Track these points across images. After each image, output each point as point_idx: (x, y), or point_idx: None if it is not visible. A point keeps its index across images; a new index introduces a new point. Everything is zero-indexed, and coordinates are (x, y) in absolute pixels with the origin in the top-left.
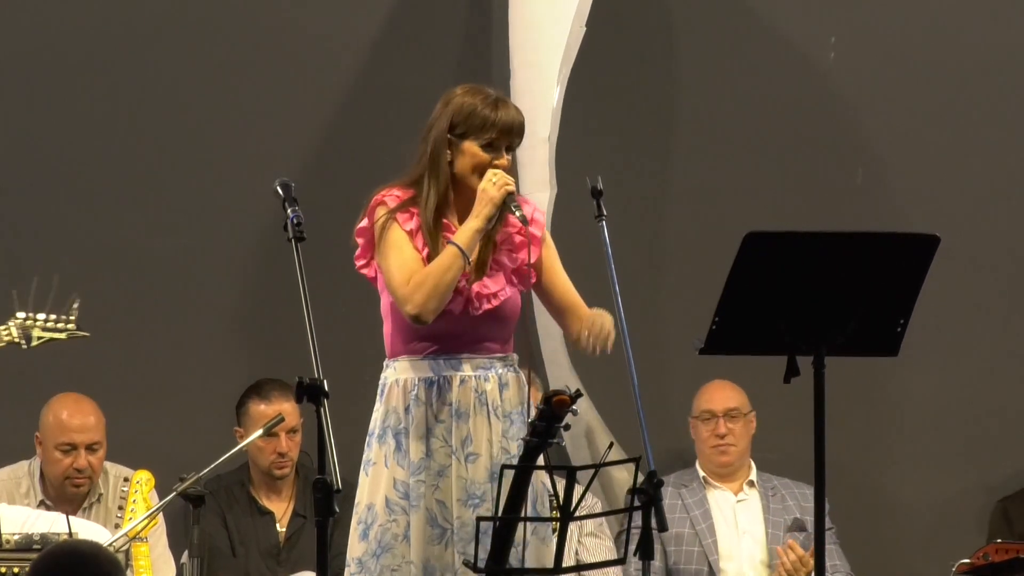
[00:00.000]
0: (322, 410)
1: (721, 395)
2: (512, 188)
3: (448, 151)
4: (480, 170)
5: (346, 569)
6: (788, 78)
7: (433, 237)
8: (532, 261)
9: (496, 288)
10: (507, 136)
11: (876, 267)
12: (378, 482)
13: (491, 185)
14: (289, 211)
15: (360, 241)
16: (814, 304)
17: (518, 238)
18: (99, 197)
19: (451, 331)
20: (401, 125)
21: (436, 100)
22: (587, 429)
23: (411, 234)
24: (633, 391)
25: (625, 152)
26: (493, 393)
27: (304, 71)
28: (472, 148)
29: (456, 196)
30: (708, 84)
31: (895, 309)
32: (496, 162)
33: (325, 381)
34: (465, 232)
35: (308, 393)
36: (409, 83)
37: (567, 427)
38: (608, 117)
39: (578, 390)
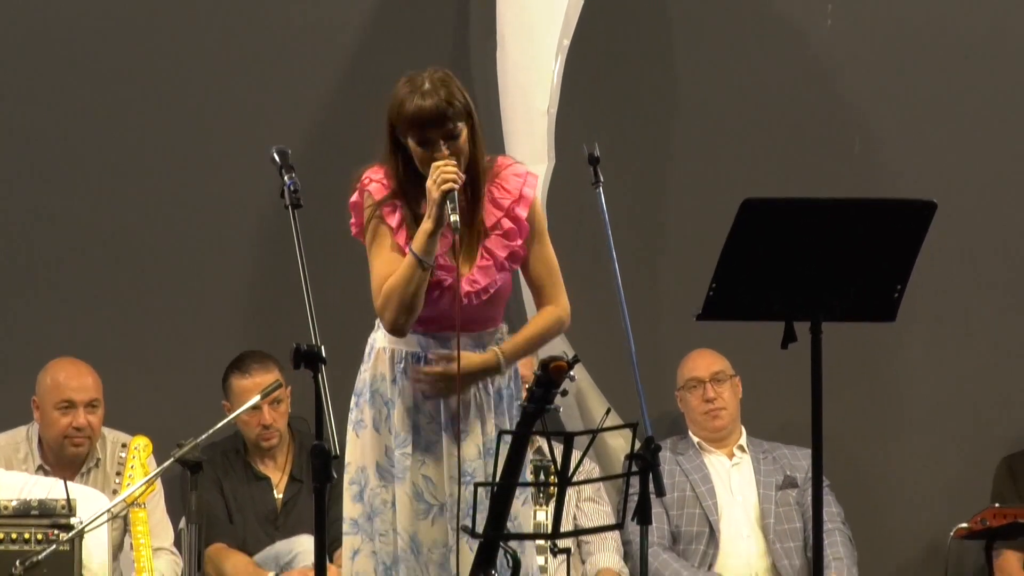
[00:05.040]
0: (319, 376)
1: (704, 361)
2: (452, 185)
3: (402, 154)
4: (427, 166)
5: (344, 526)
6: (785, 47)
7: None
8: (519, 245)
9: (486, 281)
10: (422, 130)
11: (873, 233)
12: (369, 445)
13: (432, 184)
14: (286, 178)
15: (353, 213)
16: (811, 270)
17: (507, 224)
18: (97, 167)
19: (440, 319)
20: None
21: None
22: (579, 395)
23: (396, 229)
24: (631, 358)
25: (622, 121)
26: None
27: (301, 41)
28: (413, 147)
29: None
30: (706, 53)
31: (892, 275)
32: (436, 155)
33: (323, 347)
34: (419, 237)
35: (305, 359)
36: (406, 52)
37: (564, 393)
38: (605, 87)
39: (575, 356)
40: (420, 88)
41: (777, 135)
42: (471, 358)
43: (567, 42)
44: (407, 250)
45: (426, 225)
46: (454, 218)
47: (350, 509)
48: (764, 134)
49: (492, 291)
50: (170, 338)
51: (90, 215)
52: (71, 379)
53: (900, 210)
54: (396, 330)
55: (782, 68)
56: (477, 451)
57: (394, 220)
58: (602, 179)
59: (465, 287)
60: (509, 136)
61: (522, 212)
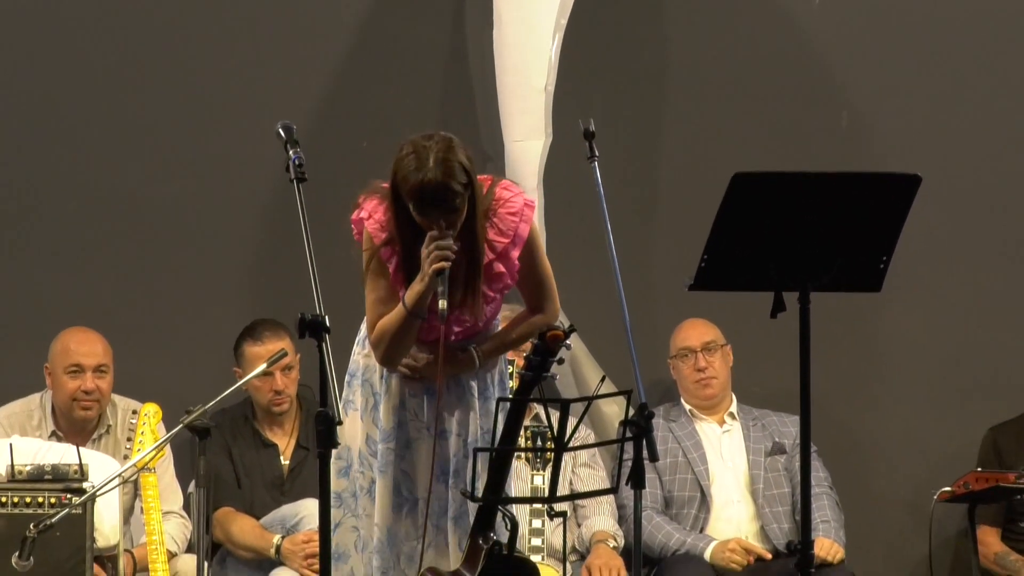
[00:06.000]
0: (324, 345)
1: (696, 331)
2: (444, 265)
3: (403, 209)
4: (426, 227)
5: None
6: (775, 23)
7: (414, 273)
8: (508, 283)
9: (474, 320)
10: (422, 205)
11: (860, 206)
12: (355, 428)
13: (426, 259)
14: (291, 153)
15: (354, 226)
16: (800, 242)
17: (499, 267)
18: (105, 139)
19: (428, 342)
20: (403, 69)
21: (435, 46)
22: (574, 363)
23: (393, 271)
24: (625, 327)
25: (617, 98)
26: (468, 375)
27: (308, 14)
28: (413, 212)
29: None
30: (698, 30)
31: (878, 246)
32: (434, 224)
33: (327, 317)
34: (410, 294)
35: (310, 328)
36: (410, 27)
37: (561, 361)
38: (601, 64)
39: (571, 325)
40: (424, 164)
41: (767, 110)
42: (450, 352)
43: (564, 21)
44: (401, 297)
45: (418, 286)
46: (442, 304)
47: (336, 483)
48: (754, 109)
49: (481, 324)
50: (179, 309)
51: (102, 187)
52: (81, 345)
53: (886, 183)
54: (387, 365)
55: (772, 44)
56: (452, 451)
57: (391, 263)
58: (597, 154)
59: (455, 327)
60: (506, 114)
61: (515, 253)
